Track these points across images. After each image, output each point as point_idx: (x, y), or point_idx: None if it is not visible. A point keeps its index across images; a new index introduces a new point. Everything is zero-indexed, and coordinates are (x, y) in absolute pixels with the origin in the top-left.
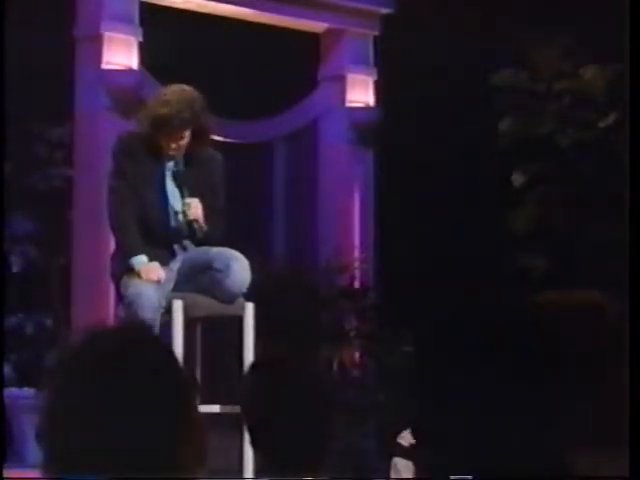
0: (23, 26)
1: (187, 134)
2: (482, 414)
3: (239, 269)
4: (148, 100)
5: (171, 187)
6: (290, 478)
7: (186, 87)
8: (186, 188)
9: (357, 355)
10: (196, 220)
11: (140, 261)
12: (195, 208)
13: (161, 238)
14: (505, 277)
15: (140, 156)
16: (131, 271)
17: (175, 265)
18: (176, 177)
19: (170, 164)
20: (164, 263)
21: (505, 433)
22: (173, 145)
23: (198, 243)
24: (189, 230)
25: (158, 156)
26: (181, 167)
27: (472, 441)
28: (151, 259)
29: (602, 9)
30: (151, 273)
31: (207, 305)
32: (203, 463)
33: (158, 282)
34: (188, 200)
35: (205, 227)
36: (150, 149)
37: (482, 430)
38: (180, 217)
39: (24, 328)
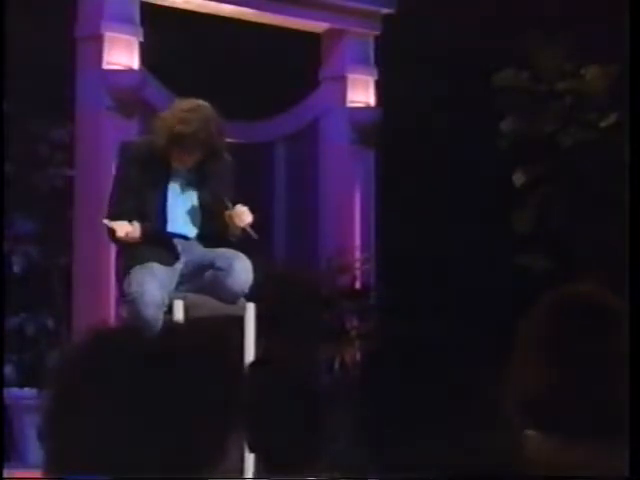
0: (23, 26)
1: (198, 151)
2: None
3: (241, 269)
4: (162, 112)
5: (176, 192)
6: (290, 478)
7: (202, 104)
8: (193, 193)
9: (358, 355)
10: (248, 226)
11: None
12: (246, 216)
13: (163, 241)
14: (505, 277)
15: (144, 162)
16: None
17: (178, 266)
18: (183, 182)
19: (178, 170)
20: (167, 264)
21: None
22: (184, 158)
23: (207, 244)
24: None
25: (165, 163)
26: (190, 173)
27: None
28: (154, 259)
29: (603, 9)
30: (123, 228)
31: (208, 305)
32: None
33: (126, 237)
34: (238, 209)
35: (255, 235)
36: (157, 156)
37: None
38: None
39: (25, 328)
